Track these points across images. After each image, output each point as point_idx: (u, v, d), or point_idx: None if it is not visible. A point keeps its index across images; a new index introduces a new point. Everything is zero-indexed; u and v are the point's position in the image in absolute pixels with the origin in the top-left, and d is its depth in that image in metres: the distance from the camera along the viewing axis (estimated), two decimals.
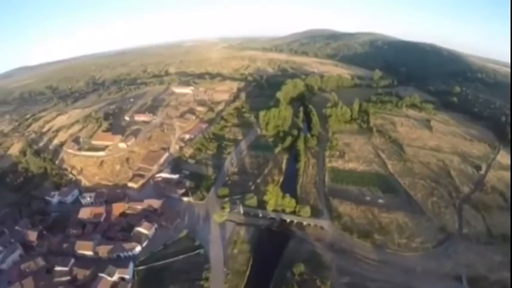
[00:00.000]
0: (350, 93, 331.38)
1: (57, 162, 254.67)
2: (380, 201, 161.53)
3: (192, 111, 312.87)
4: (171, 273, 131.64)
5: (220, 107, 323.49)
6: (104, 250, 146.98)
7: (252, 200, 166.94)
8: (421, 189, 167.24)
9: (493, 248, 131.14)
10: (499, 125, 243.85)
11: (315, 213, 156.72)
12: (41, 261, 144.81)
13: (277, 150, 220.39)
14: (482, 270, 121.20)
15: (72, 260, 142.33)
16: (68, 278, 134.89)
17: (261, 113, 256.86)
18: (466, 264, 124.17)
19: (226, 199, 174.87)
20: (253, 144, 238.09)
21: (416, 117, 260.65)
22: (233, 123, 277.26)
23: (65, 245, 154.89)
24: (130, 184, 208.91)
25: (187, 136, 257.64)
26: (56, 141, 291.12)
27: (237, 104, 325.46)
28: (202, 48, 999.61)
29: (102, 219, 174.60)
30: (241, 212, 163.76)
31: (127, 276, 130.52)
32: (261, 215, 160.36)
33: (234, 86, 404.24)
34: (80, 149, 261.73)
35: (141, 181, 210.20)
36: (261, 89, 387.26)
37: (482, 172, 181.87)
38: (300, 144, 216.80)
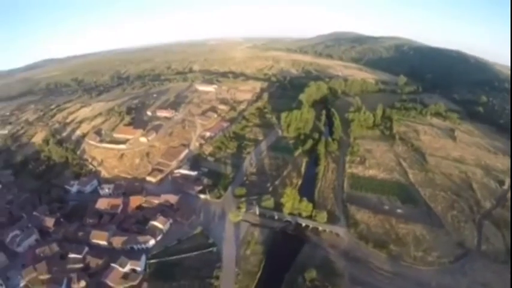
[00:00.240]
0: (374, 99, 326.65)
1: (78, 152, 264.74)
2: (399, 211, 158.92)
3: (214, 109, 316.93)
4: (183, 268, 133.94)
5: (242, 107, 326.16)
6: (118, 241, 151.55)
7: (269, 202, 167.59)
8: (442, 202, 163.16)
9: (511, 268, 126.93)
10: None
11: (332, 219, 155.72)
12: (55, 247, 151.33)
13: (297, 152, 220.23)
14: None
15: (86, 249, 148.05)
16: (80, 265, 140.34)
17: (283, 115, 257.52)
18: (482, 283, 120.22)
19: (243, 199, 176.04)
20: (273, 145, 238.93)
21: (440, 126, 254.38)
22: (254, 123, 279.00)
23: (80, 233, 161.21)
24: (148, 178, 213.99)
25: (208, 134, 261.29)
26: (78, 132, 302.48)
27: (259, 104, 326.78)
28: (226, 47, 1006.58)
29: (119, 210, 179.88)
30: (257, 212, 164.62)
31: (138, 269, 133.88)
32: (276, 217, 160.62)
33: (257, 86, 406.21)
34: (101, 141, 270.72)
35: (160, 176, 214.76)
36: (284, 90, 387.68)
37: (505, 187, 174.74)
38: (321, 148, 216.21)
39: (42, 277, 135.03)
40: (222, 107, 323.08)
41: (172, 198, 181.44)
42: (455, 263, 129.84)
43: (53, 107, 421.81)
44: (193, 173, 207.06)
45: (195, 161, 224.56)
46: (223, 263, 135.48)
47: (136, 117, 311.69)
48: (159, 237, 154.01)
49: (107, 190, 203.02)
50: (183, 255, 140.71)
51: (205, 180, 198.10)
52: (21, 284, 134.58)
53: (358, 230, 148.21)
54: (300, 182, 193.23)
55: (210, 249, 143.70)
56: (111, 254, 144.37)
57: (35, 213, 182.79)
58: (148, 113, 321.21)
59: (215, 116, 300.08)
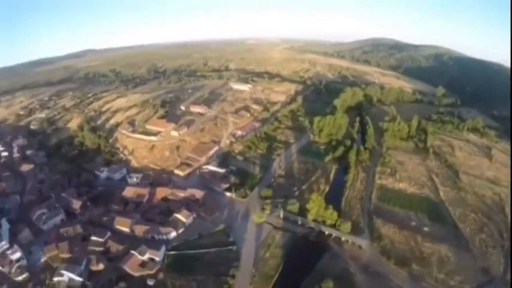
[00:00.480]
0: (410, 109, 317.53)
1: (110, 140, 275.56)
2: (425, 229, 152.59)
3: (247, 108, 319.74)
4: (200, 263, 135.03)
5: (275, 108, 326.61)
6: (140, 229, 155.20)
7: (294, 206, 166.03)
8: (471, 223, 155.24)
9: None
10: None
11: (356, 230, 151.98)
12: (79, 229, 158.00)
13: (327, 158, 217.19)
14: None
15: (109, 233, 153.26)
16: (101, 248, 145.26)
17: (316, 119, 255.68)
18: None
19: (268, 201, 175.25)
20: (304, 149, 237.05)
21: (476, 143, 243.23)
22: (286, 126, 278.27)
23: (104, 218, 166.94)
24: (176, 171, 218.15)
25: (239, 132, 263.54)
26: (112, 121, 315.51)
27: (293, 106, 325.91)
28: (263, 48, 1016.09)
29: (145, 200, 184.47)
30: (281, 216, 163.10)
31: (157, 258, 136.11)
32: (300, 223, 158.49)
33: (292, 88, 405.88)
34: (133, 132, 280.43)
35: (188, 170, 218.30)
36: (319, 94, 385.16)
37: None
38: (352, 156, 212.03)
39: (62, 255, 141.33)
40: (255, 106, 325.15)
41: (198, 193, 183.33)
42: None
43: (90, 95, 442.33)
44: (221, 170, 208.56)
45: (224, 159, 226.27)
46: (240, 263, 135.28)
47: (170, 111, 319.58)
48: (180, 230, 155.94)
49: (135, 179, 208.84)
50: (202, 251, 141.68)
51: (233, 179, 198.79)
52: (42, 260, 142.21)
53: (381, 245, 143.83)
54: (327, 189, 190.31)
55: (230, 247, 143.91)
56: (132, 242, 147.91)
57: (63, 194, 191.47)
58: (182, 107, 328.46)
59: (248, 115, 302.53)
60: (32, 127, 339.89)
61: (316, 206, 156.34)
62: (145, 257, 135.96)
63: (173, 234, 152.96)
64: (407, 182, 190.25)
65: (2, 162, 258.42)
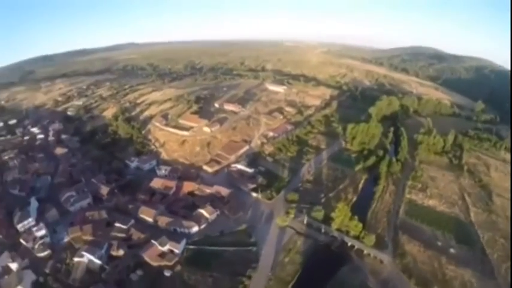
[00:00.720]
0: (446, 122, 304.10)
1: (143, 132, 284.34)
2: (451, 250, 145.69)
3: (280, 110, 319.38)
4: (218, 260, 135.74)
5: (309, 112, 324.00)
6: (163, 221, 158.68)
7: (319, 213, 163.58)
8: (500, 249, 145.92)
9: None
10: None
11: (379, 244, 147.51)
12: (104, 214, 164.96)
13: (357, 167, 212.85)
14: None
15: (132, 221, 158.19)
16: (123, 235, 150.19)
17: (350, 126, 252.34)
18: None
19: (294, 205, 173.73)
20: (334, 156, 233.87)
21: None
22: (319, 131, 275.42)
23: (130, 206, 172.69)
24: (205, 167, 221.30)
25: (270, 134, 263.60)
26: (146, 114, 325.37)
27: (327, 111, 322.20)
28: (301, 50, 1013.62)
29: (171, 192, 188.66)
30: (305, 222, 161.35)
31: (176, 251, 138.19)
32: (323, 231, 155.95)
33: (327, 92, 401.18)
34: (166, 125, 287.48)
35: (216, 167, 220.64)
36: (354, 101, 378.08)
37: None
38: (383, 167, 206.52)
39: (85, 238, 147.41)
40: (289, 109, 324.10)
41: (224, 191, 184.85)
42: None
43: (126, 87, 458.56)
44: (250, 170, 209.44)
45: (253, 159, 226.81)
46: (259, 264, 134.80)
47: (204, 107, 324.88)
48: (203, 226, 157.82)
49: (163, 171, 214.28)
50: (222, 248, 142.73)
51: (260, 179, 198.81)
52: (65, 240, 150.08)
53: (404, 262, 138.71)
54: (354, 199, 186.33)
55: (250, 248, 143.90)
56: (154, 232, 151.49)
57: (93, 179, 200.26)
58: (216, 105, 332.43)
59: (281, 117, 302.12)
60: (68, 113, 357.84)
61: (341, 215, 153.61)
62: (165, 248, 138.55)
63: (195, 228, 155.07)
64: (438, 199, 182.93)
65: (37, 144, 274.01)
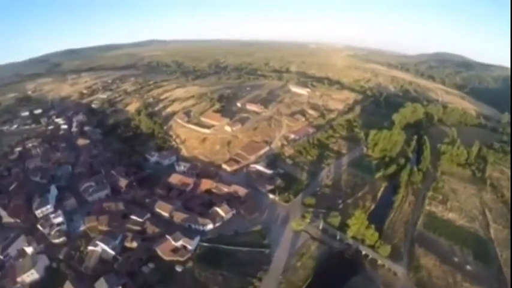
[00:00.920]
0: (471, 133, 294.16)
1: (165, 128, 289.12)
2: (468, 267, 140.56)
3: (303, 112, 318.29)
4: (230, 260, 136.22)
5: (332, 115, 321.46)
6: (179, 216, 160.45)
7: (335, 219, 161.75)
8: None
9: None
10: None
11: (394, 255, 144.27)
12: (121, 206, 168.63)
13: (377, 175, 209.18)
14: None
15: (148, 215, 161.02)
16: (138, 228, 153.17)
17: (372, 132, 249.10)
18: None
19: (310, 209, 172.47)
20: (355, 161, 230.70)
21: None
22: (341, 135, 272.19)
23: (147, 200, 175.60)
24: (224, 166, 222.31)
25: (292, 136, 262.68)
26: (169, 110, 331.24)
27: (350, 116, 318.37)
28: (326, 53, 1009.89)
29: (188, 189, 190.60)
30: (320, 227, 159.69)
31: (189, 247, 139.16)
32: (338, 237, 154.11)
33: (351, 97, 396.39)
34: (188, 122, 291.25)
35: (235, 166, 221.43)
36: (378, 107, 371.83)
37: None
38: (404, 176, 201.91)
39: (101, 228, 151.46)
40: (311, 111, 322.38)
41: (242, 191, 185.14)
42: None
43: (151, 82, 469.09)
44: (269, 171, 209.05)
45: (273, 160, 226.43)
46: (270, 267, 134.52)
47: (226, 106, 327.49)
48: (218, 224, 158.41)
49: (182, 167, 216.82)
50: (235, 248, 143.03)
51: (278, 181, 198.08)
52: (81, 228, 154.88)
53: (418, 276, 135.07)
54: (372, 207, 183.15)
55: (263, 249, 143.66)
56: (168, 226, 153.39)
57: (112, 171, 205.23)
58: (238, 104, 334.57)
59: (303, 119, 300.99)
60: (93, 106, 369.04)
61: (358, 223, 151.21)
62: (179, 243, 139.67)
63: (210, 226, 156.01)
64: (458, 213, 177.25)
65: (60, 134, 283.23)
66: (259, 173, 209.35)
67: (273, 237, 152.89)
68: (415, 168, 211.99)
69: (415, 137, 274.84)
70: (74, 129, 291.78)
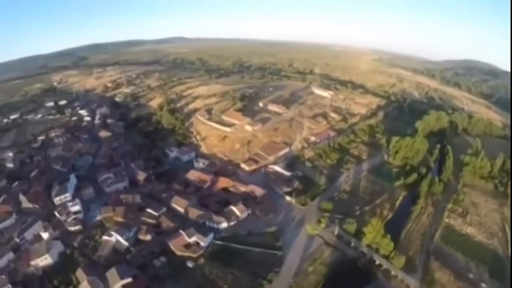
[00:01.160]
0: (496, 145, 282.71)
1: (186, 124, 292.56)
2: (483, 285, 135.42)
3: (325, 115, 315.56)
4: (242, 259, 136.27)
5: (354, 120, 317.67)
6: (194, 212, 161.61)
7: (351, 226, 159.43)
8: None
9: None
10: None
11: (409, 267, 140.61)
12: (138, 199, 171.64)
13: (397, 183, 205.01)
14: None
15: (164, 209, 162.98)
16: (153, 221, 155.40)
17: (394, 139, 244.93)
18: None
19: (327, 214, 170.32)
20: (375, 168, 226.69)
21: None
22: (362, 140, 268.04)
23: (164, 195, 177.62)
24: (242, 165, 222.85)
25: (312, 138, 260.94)
26: (191, 107, 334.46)
27: (372, 121, 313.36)
28: (351, 56, 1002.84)
29: (205, 186, 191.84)
30: (335, 233, 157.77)
31: (202, 244, 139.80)
32: (352, 245, 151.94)
33: (375, 102, 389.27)
34: (209, 119, 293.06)
35: (254, 166, 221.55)
36: (401, 113, 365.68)
37: None
38: (424, 186, 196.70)
39: (116, 219, 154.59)
40: (333, 115, 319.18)
41: (258, 191, 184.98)
42: None
43: (174, 79, 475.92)
44: (287, 173, 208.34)
45: (292, 162, 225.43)
46: (281, 269, 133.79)
47: (248, 106, 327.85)
48: (232, 223, 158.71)
49: (201, 164, 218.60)
50: (248, 248, 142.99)
51: (296, 184, 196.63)
52: (97, 218, 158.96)
53: None
54: (390, 216, 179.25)
55: (276, 251, 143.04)
56: (183, 222, 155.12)
57: (131, 164, 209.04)
58: (260, 104, 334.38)
59: (324, 122, 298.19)
60: (116, 99, 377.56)
61: (374, 231, 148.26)
62: (192, 239, 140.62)
63: (224, 224, 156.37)
64: (477, 228, 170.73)
65: (83, 126, 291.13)
66: (277, 174, 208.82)
67: (287, 239, 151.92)
68: (436, 179, 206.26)
69: (438, 146, 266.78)
70: (96, 121, 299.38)
